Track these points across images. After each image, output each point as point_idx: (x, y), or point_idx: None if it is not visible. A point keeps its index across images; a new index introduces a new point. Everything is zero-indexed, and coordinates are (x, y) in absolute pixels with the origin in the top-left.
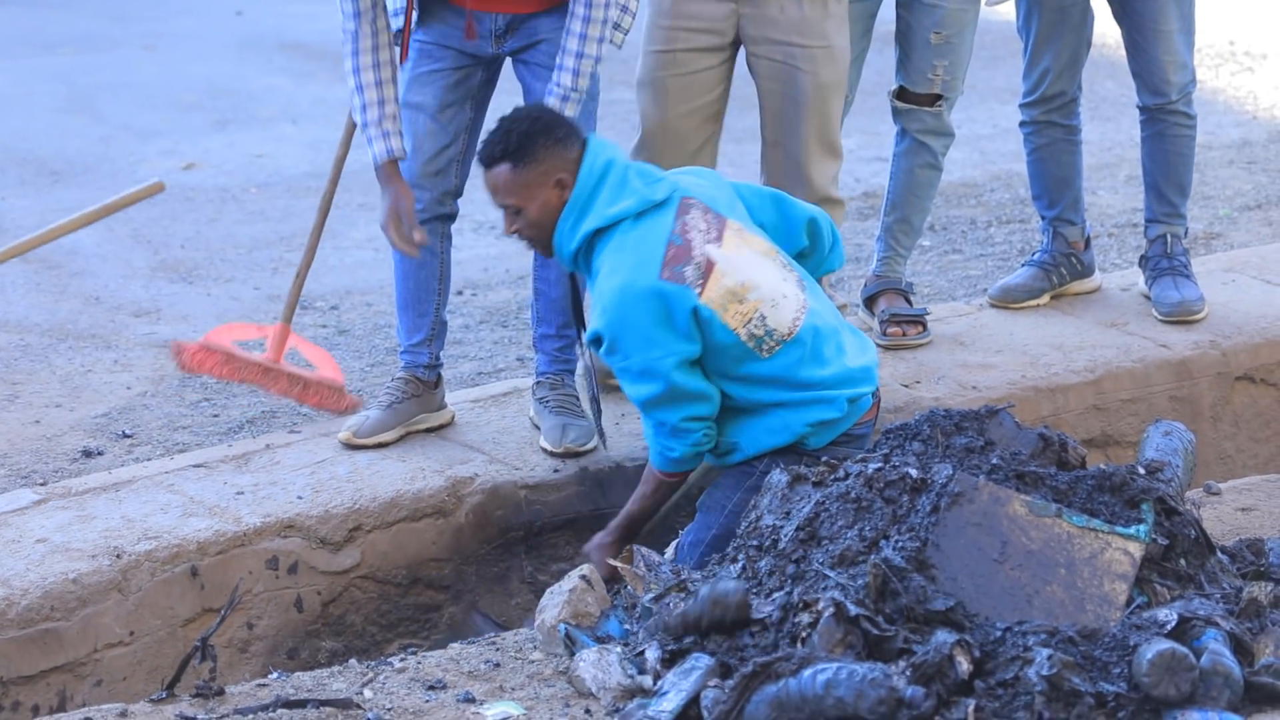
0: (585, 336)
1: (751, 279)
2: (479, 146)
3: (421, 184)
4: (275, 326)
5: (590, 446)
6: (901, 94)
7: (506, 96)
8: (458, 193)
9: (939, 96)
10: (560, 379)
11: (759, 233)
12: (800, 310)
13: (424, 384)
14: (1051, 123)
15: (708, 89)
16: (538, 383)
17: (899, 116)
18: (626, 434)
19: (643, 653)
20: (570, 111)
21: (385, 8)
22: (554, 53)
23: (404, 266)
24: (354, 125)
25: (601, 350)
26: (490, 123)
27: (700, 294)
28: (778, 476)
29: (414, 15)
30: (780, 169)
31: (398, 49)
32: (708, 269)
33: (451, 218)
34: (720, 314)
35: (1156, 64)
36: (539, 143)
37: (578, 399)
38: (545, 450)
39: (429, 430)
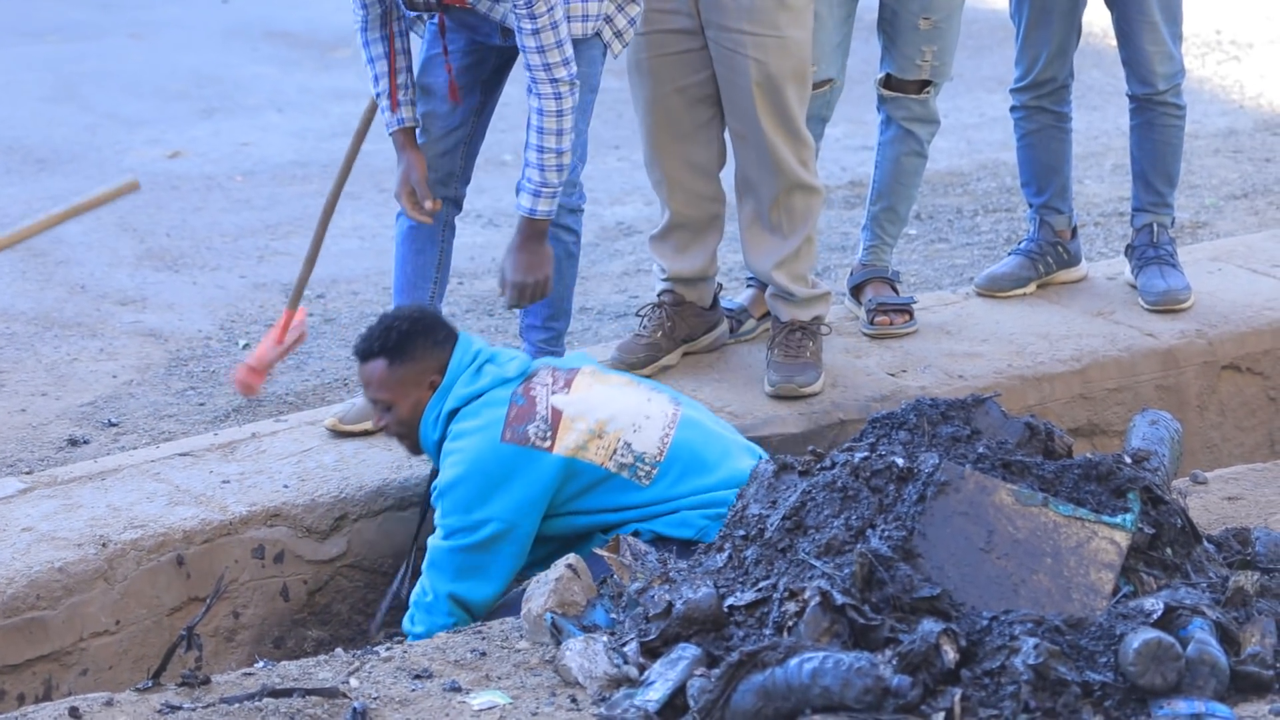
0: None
1: (606, 414)
2: (357, 340)
3: (429, 164)
4: (284, 313)
5: None
6: (888, 82)
7: (514, 86)
8: (464, 177)
9: (927, 83)
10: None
11: (620, 373)
12: (670, 424)
13: None
14: (1042, 109)
15: (693, 70)
16: None
17: (884, 104)
18: None
19: (627, 643)
20: (543, 207)
21: None
22: None
23: (403, 251)
24: (370, 113)
25: (434, 503)
26: (510, 119)
27: (551, 447)
28: (764, 466)
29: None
30: (748, 159)
31: (410, 19)
32: (555, 419)
33: (456, 204)
34: (582, 455)
35: (1143, 54)
36: (417, 343)
37: None
38: None
39: None
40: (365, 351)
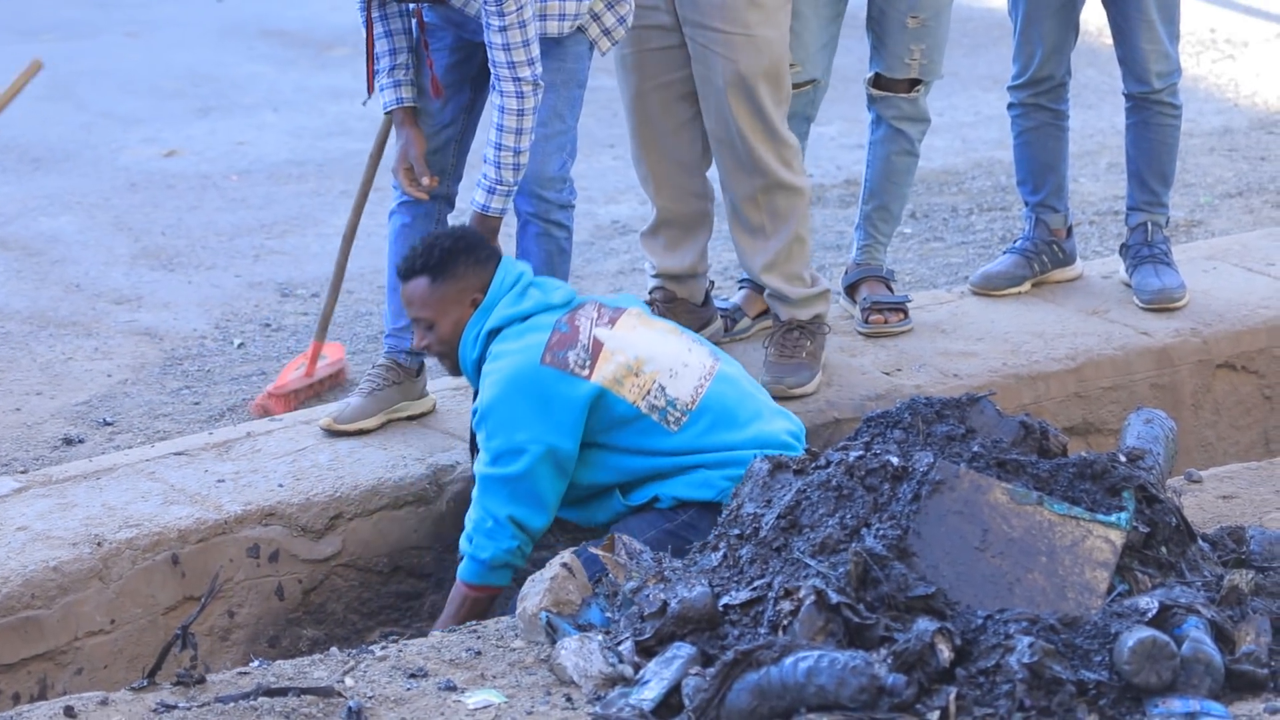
0: (478, 473)
1: (646, 353)
2: (399, 260)
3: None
4: (311, 345)
5: None
6: (878, 81)
7: None
8: (456, 175)
9: (916, 82)
10: None
11: (667, 321)
12: (705, 376)
13: (405, 370)
14: (1039, 106)
15: (673, 67)
16: None
17: (874, 104)
18: None
19: (622, 642)
20: (497, 204)
21: None
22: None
23: (396, 249)
24: (385, 131)
25: (476, 427)
26: (489, 105)
27: (589, 375)
28: (759, 465)
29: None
30: (723, 159)
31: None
32: (595, 349)
33: (449, 201)
34: (615, 389)
35: (1139, 52)
36: (460, 260)
37: None
38: None
39: (410, 418)
40: (408, 270)
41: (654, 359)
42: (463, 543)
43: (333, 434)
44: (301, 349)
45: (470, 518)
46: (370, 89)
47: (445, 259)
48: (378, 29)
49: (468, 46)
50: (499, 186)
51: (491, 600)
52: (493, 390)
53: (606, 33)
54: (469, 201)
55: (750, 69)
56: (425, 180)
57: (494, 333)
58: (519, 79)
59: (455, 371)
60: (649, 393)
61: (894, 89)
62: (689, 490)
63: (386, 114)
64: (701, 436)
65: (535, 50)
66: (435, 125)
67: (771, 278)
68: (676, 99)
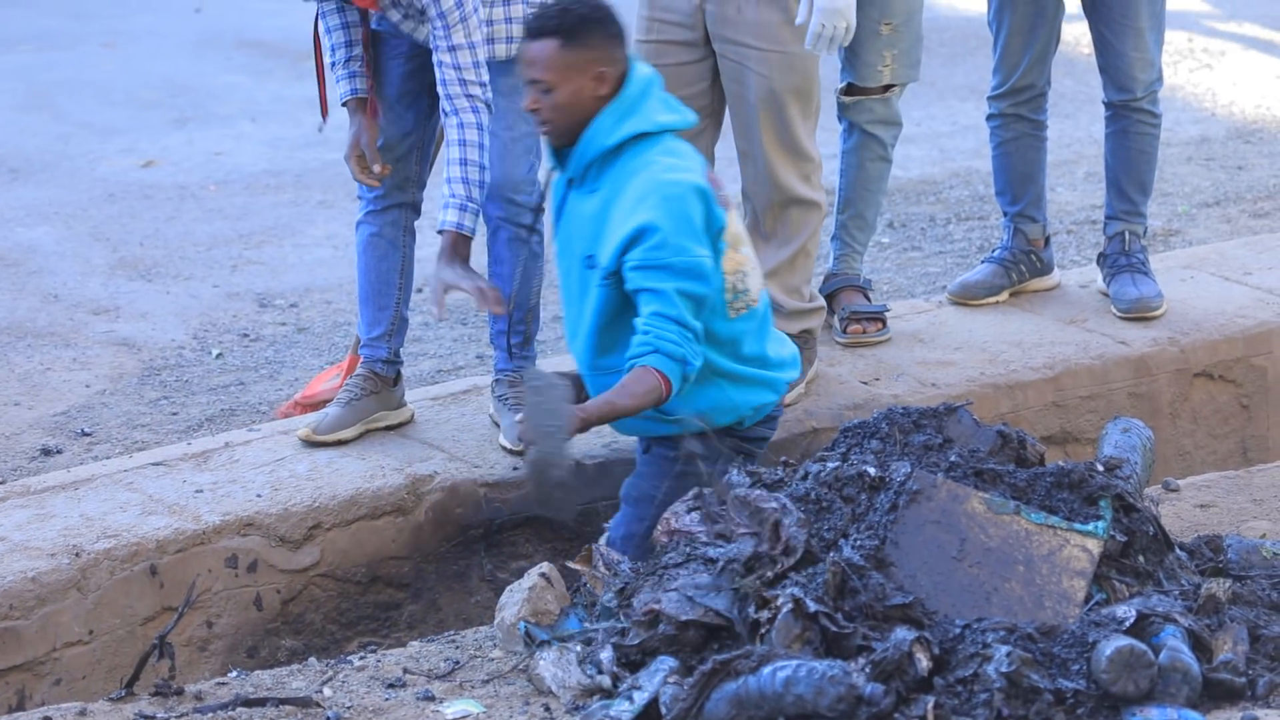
0: (624, 235)
1: (745, 237)
2: (528, 17)
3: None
4: (348, 359)
5: None
6: (850, 89)
7: None
8: (420, 182)
9: (889, 85)
10: (519, 376)
11: None
12: (761, 285)
13: (383, 380)
14: (1019, 116)
15: (688, 83)
16: (496, 380)
17: (845, 111)
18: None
19: (601, 653)
20: (469, 221)
21: None
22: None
23: (366, 259)
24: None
25: (645, 242)
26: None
27: (727, 212)
28: (737, 478)
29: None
30: (748, 173)
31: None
32: (727, 205)
33: (415, 208)
34: (725, 250)
35: (1125, 60)
36: (593, 30)
37: None
38: (505, 448)
39: (388, 428)
40: (539, 29)
41: (748, 244)
42: (666, 345)
43: (311, 445)
44: (280, 359)
45: (667, 326)
46: (324, 112)
47: (580, 25)
48: (333, 20)
49: (424, 54)
50: (470, 204)
51: (655, 405)
52: (674, 204)
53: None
54: (437, 224)
55: (782, 85)
56: (376, 168)
57: (643, 137)
58: (471, 96)
59: (558, 141)
60: (736, 271)
61: (867, 92)
62: (713, 415)
63: (343, 104)
64: (745, 337)
65: (485, 73)
66: (397, 133)
67: (772, 286)
68: None
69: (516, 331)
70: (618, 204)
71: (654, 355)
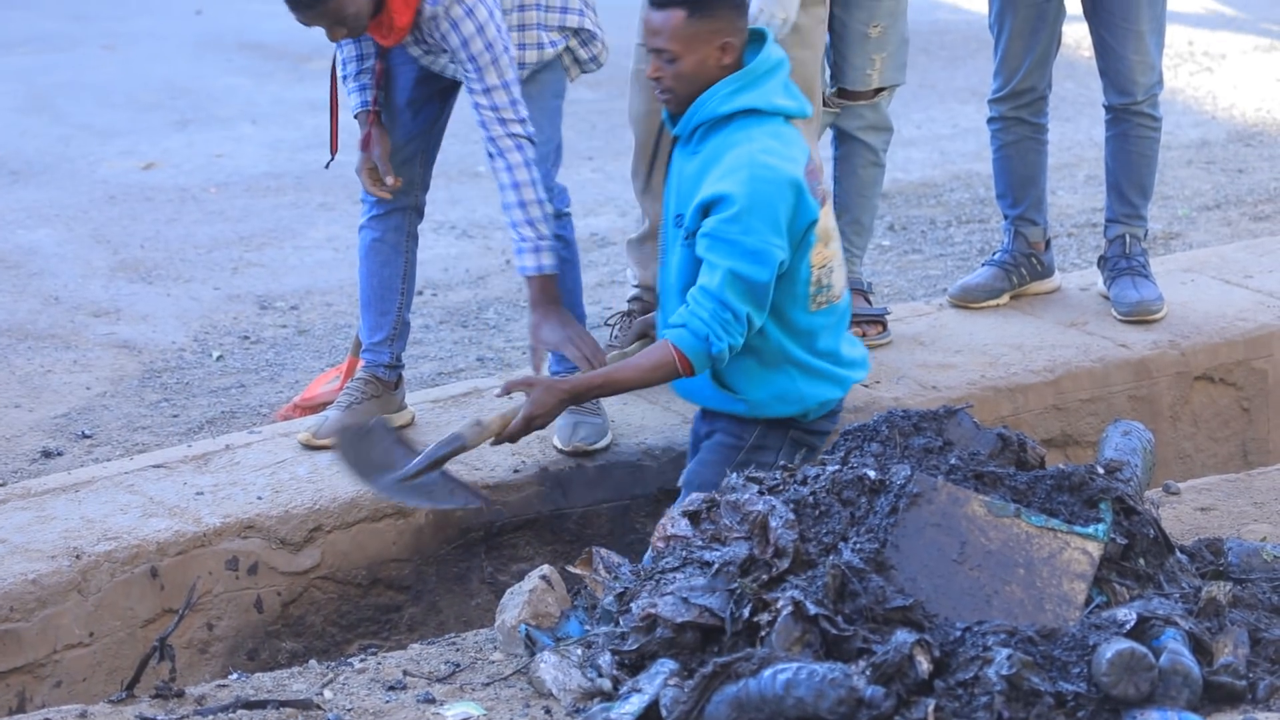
0: (703, 197)
1: (836, 234)
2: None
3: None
4: (347, 361)
5: (600, 445)
6: (840, 94)
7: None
8: (424, 184)
9: (879, 89)
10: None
11: None
12: (844, 283)
13: (384, 384)
14: (1020, 120)
15: None
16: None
17: (835, 119)
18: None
19: (601, 656)
20: (549, 260)
21: None
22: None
23: (368, 264)
24: None
25: (719, 212)
26: (458, 119)
27: (821, 207)
28: (734, 480)
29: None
30: None
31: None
32: (824, 199)
33: (418, 212)
34: (814, 243)
35: (1125, 63)
36: (722, 1)
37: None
38: (556, 447)
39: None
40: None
41: (838, 240)
42: (693, 321)
43: (311, 447)
44: (281, 361)
45: (704, 303)
46: (334, 149)
47: None
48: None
49: None
50: (542, 243)
51: (672, 378)
52: (759, 184)
53: (578, 62)
54: (516, 269)
55: None
56: (389, 180)
57: (754, 112)
58: (513, 135)
59: (677, 108)
60: (824, 266)
61: (857, 97)
62: (776, 405)
63: (355, 117)
64: (821, 332)
65: (523, 109)
66: (403, 137)
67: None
68: None
69: None
70: (712, 169)
71: (679, 331)
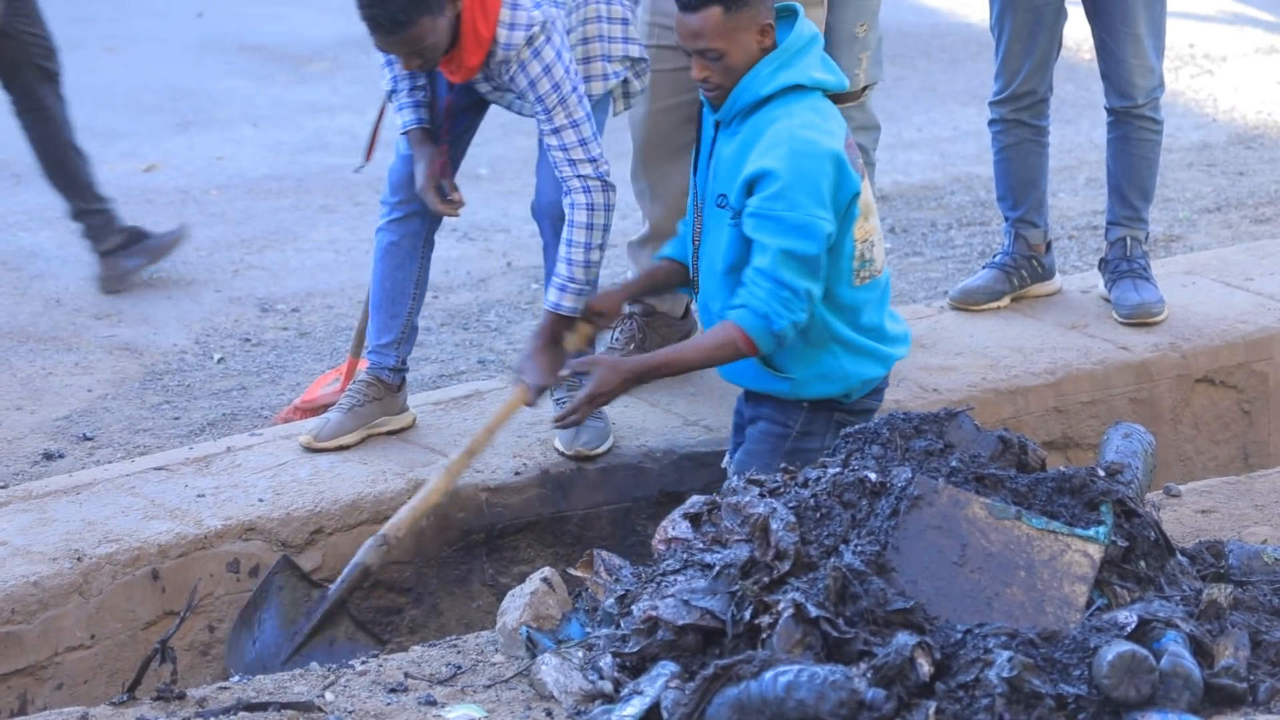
0: (745, 175)
1: (874, 206)
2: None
3: (407, 181)
4: (347, 362)
5: (602, 450)
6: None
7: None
8: (442, 191)
9: (864, 87)
10: (578, 382)
11: None
12: (885, 257)
13: (387, 386)
14: (1020, 122)
15: (684, 89)
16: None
17: None
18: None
19: (602, 658)
20: (568, 303)
21: None
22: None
23: (383, 266)
24: None
25: (763, 189)
26: (485, 134)
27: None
28: (735, 483)
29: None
30: None
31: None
32: (862, 172)
33: (437, 219)
34: (856, 217)
35: (1124, 66)
36: None
37: None
38: (557, 450)
39: (390, 433)
40: (698, 1)
41: (877, 215)
42: (752, 301)
43: (312, 450)
44: (282, 364)
45: (761, 283)
46: (369, 155)
47: None
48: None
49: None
50: (570, 285)
51: (731, 359)
52: (801, 160)
53: (626, 95)
54: (545, 301)
55: None
56: (456, 196)
57: (796, 89)
58: (581, 176)
59: (722, 100)
60: (866, 240)
61: (843, 100)
62: (820, 384)
63: (403, 134)
64: (865, 307)
65: (595, 148)
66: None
67: None
68: (683, 120)
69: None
70: (753, 147)
71: (741, 311)
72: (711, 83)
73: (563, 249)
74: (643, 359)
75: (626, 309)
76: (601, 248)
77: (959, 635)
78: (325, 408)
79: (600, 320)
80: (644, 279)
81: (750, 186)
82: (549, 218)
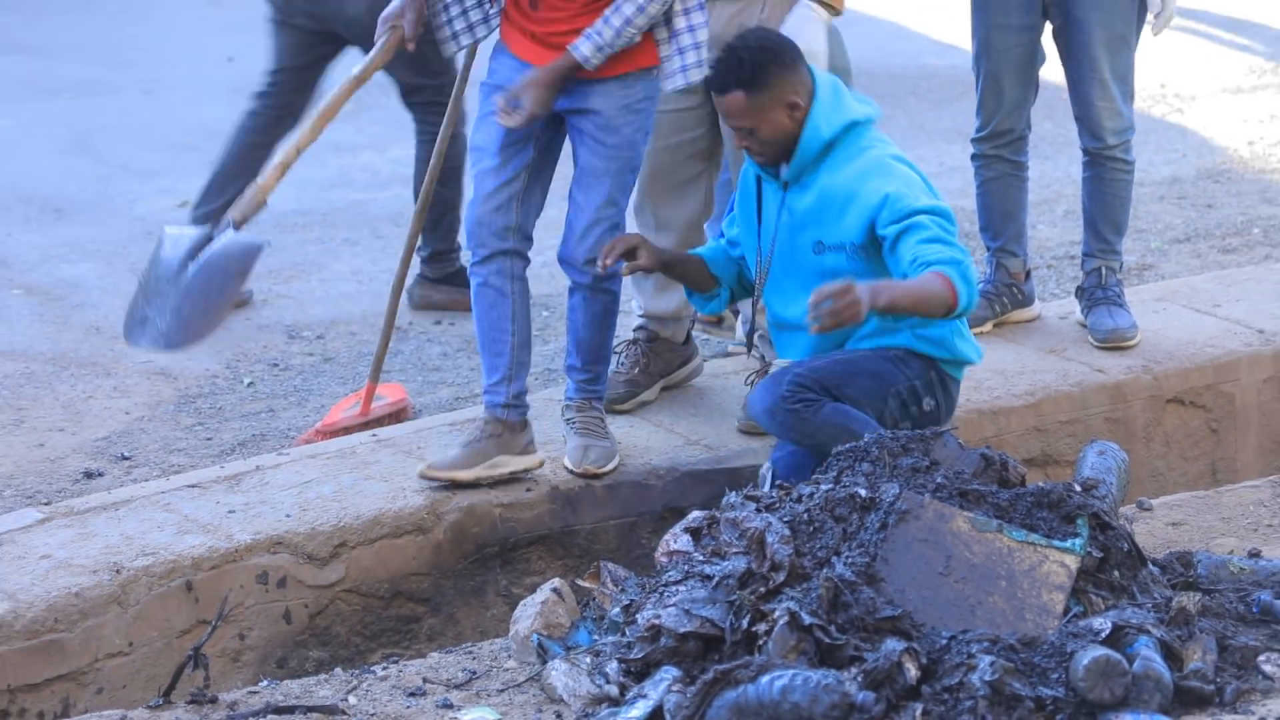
0: (869, 210)
1: None
2: (709, 74)
3: (482, 220)
4: (365, 387)
5: (609, 468)
6: None
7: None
8: (522, 231)
9: None
10: (587, 402)
11: None
12: None
13: (505, 425)
14: (1000, 158)
15: (689, 126)
16: (565, 405)
17: None
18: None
19: (608, 664)
20: (585, 50)
21: None
22: (605, 125)
23: (478, 308)
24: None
25: (889, 207)
26: (561, 171)
27: None
28: (734, 499)
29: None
30: None
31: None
32: None
33: (520, 256)
34: None
35: (1093, 109)
36: (771, 70)
37: (602, 421)
38: (566, 469)
39: (405, 452)
40: (722, 85)
41: None
42: (941, 262)
43: (425, 479)
44: (308, 387)
45: (940, 251)
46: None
47: (756, 71)
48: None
49: None
50: (595, 36)
51: (936, 313)
52: (903, 168)
53: (685, 69)
54: (570, 47)
55: None
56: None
57: (854, 125)
58: None
59: (776, 161)
60: None
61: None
62: (921, 344)
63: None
64: None
65: None
66: (495, 184)
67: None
68: (687, 158)
69: (587, 370)
70: (845, 188)
71: (945, 265)
72: (753, 151)
73: (610, 9)
74: (877, 292)
75: (632, 335)
76: (640, 30)
77: (944, 641)
78: (344, 430)
79: (633, 257)
80: (681, 255)
81: (878, 212)
82: (574, 267)
